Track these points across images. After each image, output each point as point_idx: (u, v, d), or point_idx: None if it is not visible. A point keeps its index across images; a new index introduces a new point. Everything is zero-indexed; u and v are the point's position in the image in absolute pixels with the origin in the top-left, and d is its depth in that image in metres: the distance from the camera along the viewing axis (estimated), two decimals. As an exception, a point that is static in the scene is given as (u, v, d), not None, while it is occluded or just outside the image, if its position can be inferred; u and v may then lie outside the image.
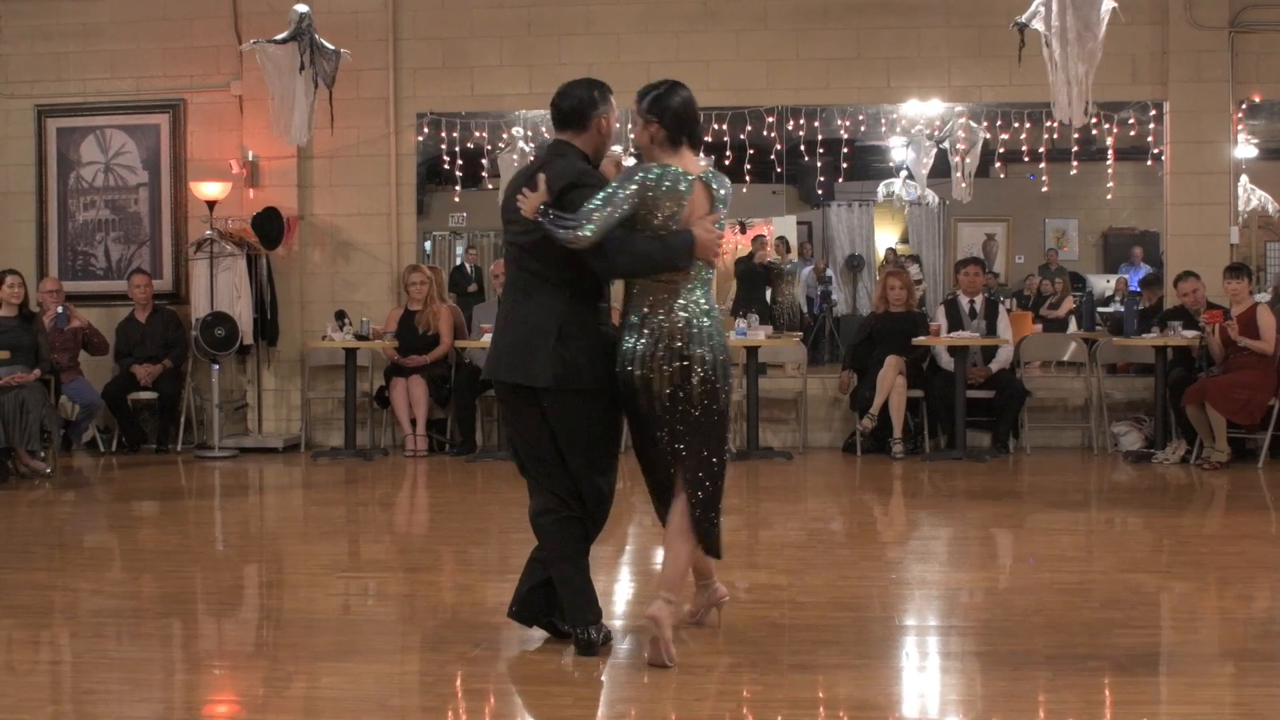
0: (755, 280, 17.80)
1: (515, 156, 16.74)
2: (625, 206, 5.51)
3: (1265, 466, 11.86)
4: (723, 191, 5.72)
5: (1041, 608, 6.52)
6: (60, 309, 13.36)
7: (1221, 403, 11.85)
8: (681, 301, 5.63)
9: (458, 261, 22.09)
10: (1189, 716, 4.98)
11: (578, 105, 5.95)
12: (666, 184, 5.56)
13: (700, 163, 5.80)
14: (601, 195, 5.51)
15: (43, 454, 12.04)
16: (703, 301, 5.67)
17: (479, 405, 13.56)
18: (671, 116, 5.71)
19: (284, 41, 12.85)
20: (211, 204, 13.69)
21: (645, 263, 5.61)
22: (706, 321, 5.65)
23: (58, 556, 8.48)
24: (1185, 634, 6.40)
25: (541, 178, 5.62)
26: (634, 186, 5.54)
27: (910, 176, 16.76)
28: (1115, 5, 11.51)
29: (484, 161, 16.20)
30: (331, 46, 13.00)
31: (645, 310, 5.66)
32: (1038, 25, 11.69)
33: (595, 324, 5.78)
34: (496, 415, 13.10)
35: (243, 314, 13.68)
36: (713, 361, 5.65)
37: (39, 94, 14.57)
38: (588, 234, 5.44)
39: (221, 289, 13.68)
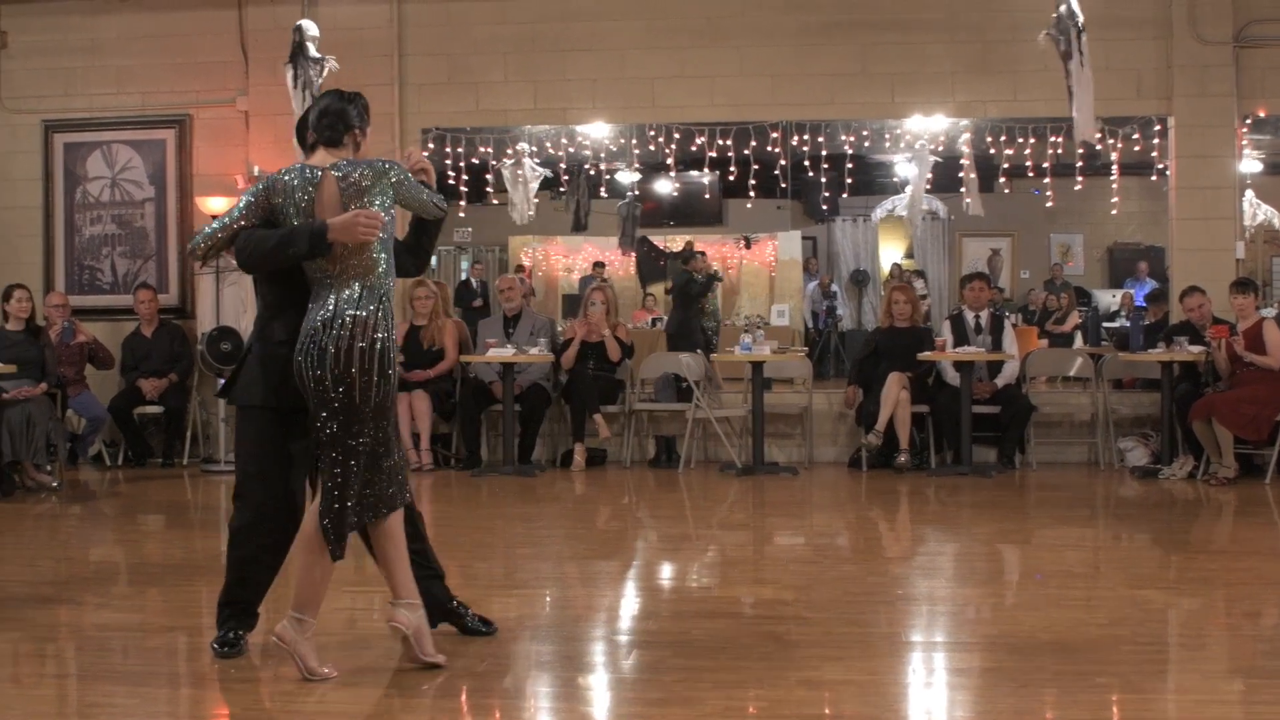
0: (688, 296, 17.60)
1: (521, 171, 16.78)
2: (241, 216, 5.84)
3: (1273, 482, 11.81)
4: (363, 184, 5.68)
5: (1049, 624, 6.50)
6: (67, 323, 13.37)
7: (1228, 418, 11.82)
8: (334, 296, 5.64)
9: (463, 276, 22.16)
10: (1198, 733, 4.96)
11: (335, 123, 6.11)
12: (286, 179, 5.78)
13: (342, 157, 5.84)
14: (220, 218, 5.95)
15: (49, 467, 12.06)
16: (358, 293, 5.64)
17: (484, 420, 13.55)
18: (312, 121, 5.93)
19: (290, 58, 12.96)
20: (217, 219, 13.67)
21: (257, 252, 5.76)
22: (350, 314, 5.61)
23: (64, 570, 8.47)
24: (1193, 651, 6.37)
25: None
26: (250, 197, 5.88)
27: (913, 191, 16.76)
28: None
29: (489, 177, 16.27)
30: (318, 55, 13.02)
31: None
32: (1052, 34, 11.74)
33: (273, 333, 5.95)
34: (502, 430, 13.09)
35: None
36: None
37: (46, 109, 14.60)
38: (200, 249, 5.96)
39: (227, 303, 13.68)
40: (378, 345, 5.59)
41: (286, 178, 5.77)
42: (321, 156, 5.81)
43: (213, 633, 6.03)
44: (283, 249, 5.65)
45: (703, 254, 19.20)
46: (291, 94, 13.00)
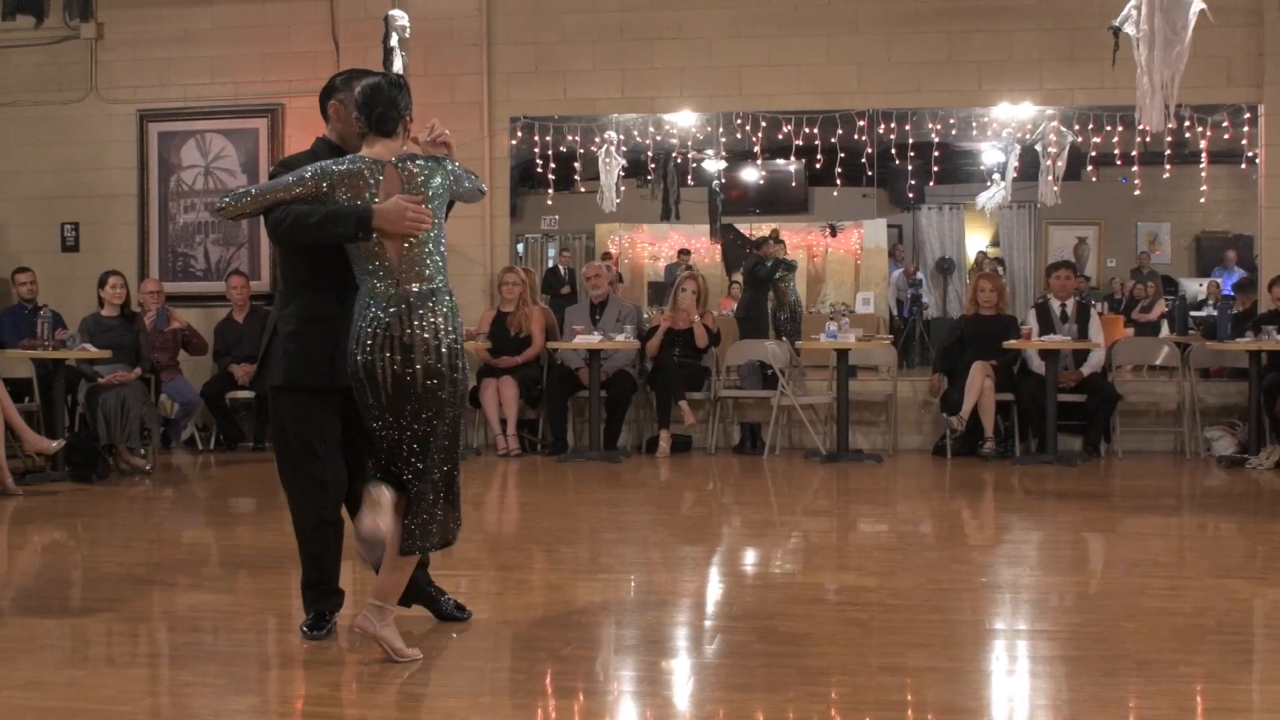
0: (756, 280, 17.52)
1: (609, 160, 16.79)
2: (283, 191, 5.59)
3: (1361, 472, 11.67)
4: (423, 178, 5.59)
5: (1133, 613, 6.44)
6: (160, 309, 13.51)
7: (1316, 407, 11.70)
8: (399, 289, 5.53)
9: (550, 263, 22.17)
10: (1283, 724, 4.90)
11: (319, 98, 6.18)
12: (343, 169, 5.59)
13: (403, 148, 5.71)
14: (263, 185, 5.72)
15: (143, 451, 12.20)
16: (429, 289, 5.58)
17: (570, 406, 13.59)
18: (360, 109, 5.69)
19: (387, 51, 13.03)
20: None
21: (297, 226, 5.59)
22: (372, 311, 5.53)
23: (156, 552, 8.56)
24: (1279, 640, 6.30)
25: None
26: (308, 175, 5.59)
27: (1001, 177, 16.65)
28: (1204, 7, 11.36)
29: (577, 165, 16.29)
30: (394, 46, 13.07)
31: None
32: (1129, 29, 11.59)
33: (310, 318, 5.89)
34: (588, 416, 13.12)
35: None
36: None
37: (141, 99, 14.78)
38: (231, 210, 5.71)
39: (317, 290, 13.74)
40: (458, 342, 5.60)
41: (342, 168, 5.60)
42: (380, 148, 5.65)
43: (301, 615, 6.08)
44: (326, 227, 5.53)
45: (779, 241, 19.14)
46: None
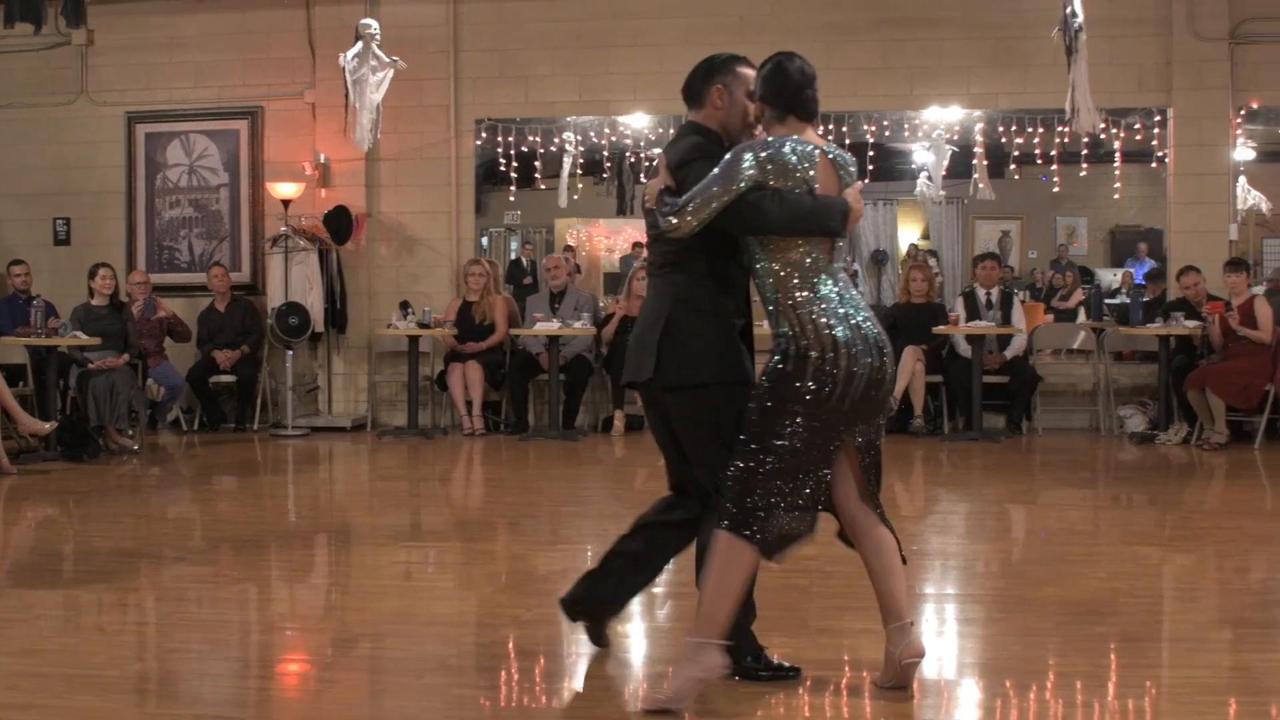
0: None
1: (566, 159, 16.76)
2: (738, 186, 4.59)
3: (1261, 447, 11.77)
4: (852, 168, 4.83)
5: (1052, 578, 6.48)
6: (147, 299, 13.46)
7: (1221, 388, 11.79)
8: (844, 290, 4.73)
9: (513, 256, 22.12)
10: (1189, 680, 4.93)
11: (690, 82, 5.07)
12: (789, 152, 4.65)
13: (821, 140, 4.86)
14: (705, 182, 4.62)
15: (131, 432, 12.13)
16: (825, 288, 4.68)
17: (531, 389, 13.58)
18: (773, 92, 4.83)
19: (358, 53, 12.98)
20: (286, 203, 13.75)
21: (792, 213, 4.62)
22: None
23: (144, 526, 8.53)
24: (1186, 603, 6.34)
25: (660, 160, 4.94)
26: (748, 162, 4.62)
27: (929, 177, 16.69)
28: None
29: (537, 164, 16.23)
30: (387, 57, 13.08)
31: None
32: (1060, 34, 11.68)
33: (711, 312, 4.85)
34: (548, 398, 13.11)
35: (314, 304, 13.71)
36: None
37: (129, 102, 14.66)
38: (684, 223, 4.62)
39: (295, 281, 13.72)
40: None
41: (788, 149, 4.65)
42: (811, 134, 4.81)
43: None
44: (813, 219, 4.64)
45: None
46: (349, 86, 13.03)
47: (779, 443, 4.61)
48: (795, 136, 4.73)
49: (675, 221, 4.64)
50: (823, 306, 4.64)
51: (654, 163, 19.40)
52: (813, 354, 4.59)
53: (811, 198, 4.66)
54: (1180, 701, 4.66)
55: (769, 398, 4.64)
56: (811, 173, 4.67)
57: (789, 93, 4.81)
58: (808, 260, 4.67)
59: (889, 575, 4.77)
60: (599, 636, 5.28)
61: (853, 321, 4.64)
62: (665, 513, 5.10)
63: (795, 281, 4.67)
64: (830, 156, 4.76)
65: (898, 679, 4.69)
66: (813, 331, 4.60)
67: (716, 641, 4.57)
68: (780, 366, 4.65)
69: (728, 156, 4.68)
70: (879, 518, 4.88)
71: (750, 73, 5.00)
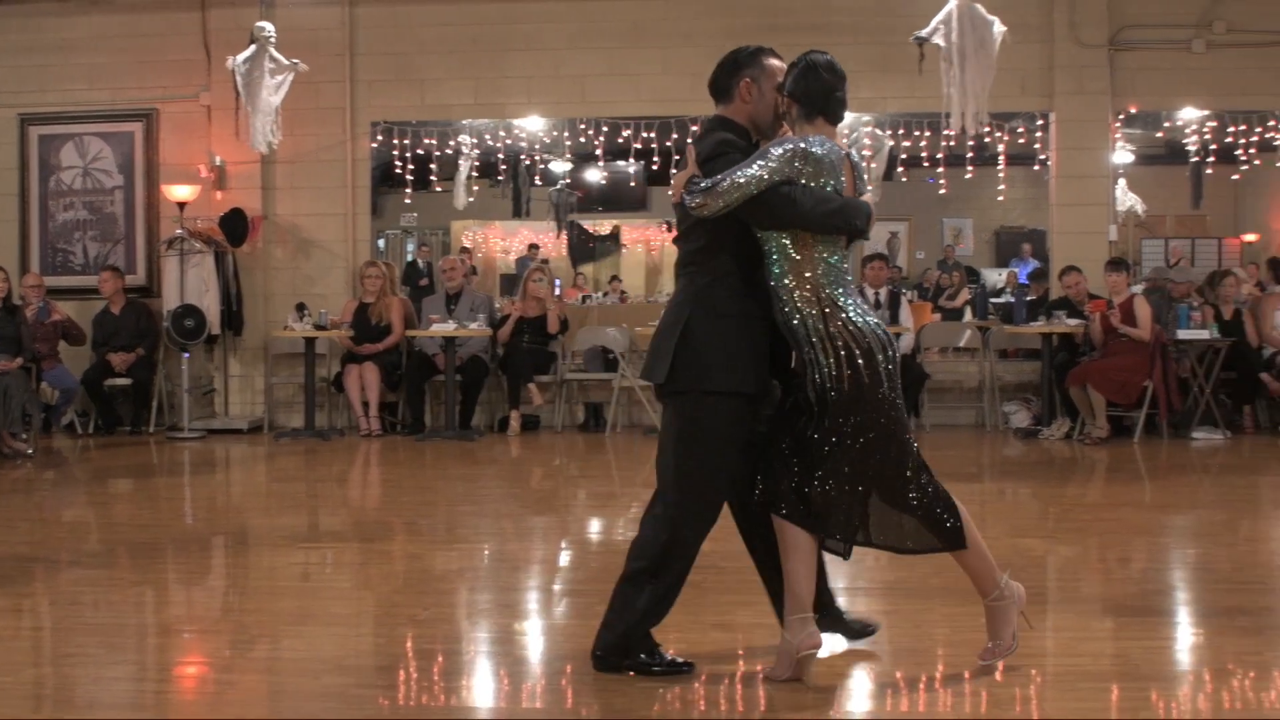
0: None
1: (462, 162, 16.72)
2: (767, 176, 4.59)
3: (1140, 441, 11.97)
4: (865, 175, 4.97)
5: (940, 570, 6.51)
6: (42, 302, 13.25)
7: (1101, 384, 11.98)
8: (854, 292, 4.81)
9: (409, 258, 22.04)
10: (1073, 667, 5.01)
11: (716, 77, 5.12)
12: (819, 152, 4.69)
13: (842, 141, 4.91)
14: (739, 167, 4.61)
15: (25, 436, 11.92)
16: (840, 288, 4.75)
17: (427, 389, 13.51)
18: (803, 92, 4.86)
19: (250, 56, 12.88)
20: (182, 205, 13.57)
21: (818, 210, 4.62)
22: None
23: (39, 530, 8.38)
24: (1069, 593, 6.44)
25: (690, 153, 4.88)
26: (784, 155, 4.65)
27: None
28: (1004, 29, 11.58)
29: (433, 166, 16.17)
30: (286, 60, 12.99)
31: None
32: (938, 41, 11.76)
33: (734, 314, 4.77)
34: (444, 398, 13.06)
35: (210, 306, 13.56)
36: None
37: (22, 103, 14.39)
38: (711, 203, 4.60)
39: (191, 283, 13.55)
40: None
41: (818, 150, 4.68)
42: (831, 133, 4.84)
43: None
44: (841, 216, 4.67)
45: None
46: (240, 88, 12.93)
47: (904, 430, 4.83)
48: (823, 137, 4.76)
49: (703, 201, 4.61)
50: (852, 302, 4.73)
51: (546, 165, 19.44)
52: (870, 352, 4.69)
53: (840, 196, 4.69)
54: (1065, 689, 4.73)
55: (872, 409, 4.72)
56: (840, 174, 4.72)
57: (820, 94, 4.86)
58: (831, 259, 4.73)
59: (801, 565, 4.84)
60: (850, 626, 5.28)
61: (869, 318, 4.74)
62: (741, 511, 5.20)
63: (822, 280, 4.70)
64: (852, 160, 4.83)
65: (795, 671, 4.73)
66: (853, 330, 4.69)
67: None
68: (850, 375, 4.68)
69: (761, 149, 4.70)
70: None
71: (779, 64, 5.03)
